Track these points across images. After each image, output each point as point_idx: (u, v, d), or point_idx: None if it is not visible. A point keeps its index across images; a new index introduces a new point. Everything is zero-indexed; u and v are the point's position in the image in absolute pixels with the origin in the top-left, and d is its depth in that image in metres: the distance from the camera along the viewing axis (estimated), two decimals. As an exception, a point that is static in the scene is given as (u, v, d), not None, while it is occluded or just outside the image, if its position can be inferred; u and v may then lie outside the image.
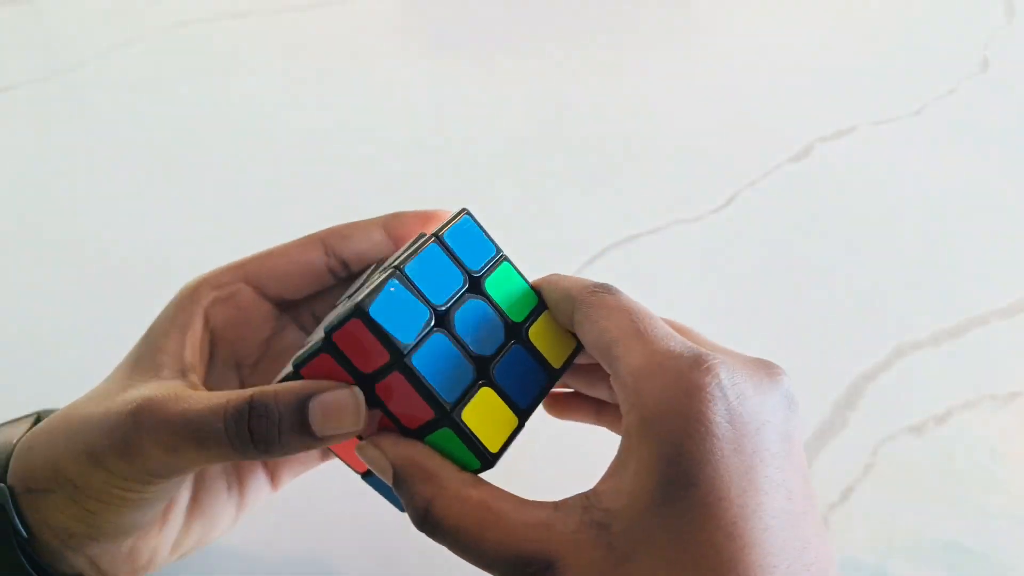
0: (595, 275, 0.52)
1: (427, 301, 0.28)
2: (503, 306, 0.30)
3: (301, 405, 0.27)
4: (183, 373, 0.30)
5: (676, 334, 0.27)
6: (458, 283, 0.30)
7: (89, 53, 0.82)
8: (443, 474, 0.27)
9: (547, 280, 0.31)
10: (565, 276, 0.31)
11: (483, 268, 0.31)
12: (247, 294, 0.33)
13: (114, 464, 0.28)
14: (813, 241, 0.55)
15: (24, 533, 0.30)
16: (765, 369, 0.27)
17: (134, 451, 0.27)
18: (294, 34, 0.83)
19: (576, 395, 0.34)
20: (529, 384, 0.30)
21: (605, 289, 0.29)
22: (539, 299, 0.31)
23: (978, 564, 0.35)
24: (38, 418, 0.33)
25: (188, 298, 0.32)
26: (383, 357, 0.27)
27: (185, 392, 0.28)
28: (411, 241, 0.32)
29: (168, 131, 0.71)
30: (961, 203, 0.58)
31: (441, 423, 0.27)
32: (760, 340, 0.47)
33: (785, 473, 0.24)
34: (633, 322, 0.27)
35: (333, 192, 0.62)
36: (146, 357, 0.31)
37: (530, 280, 0.32)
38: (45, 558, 0.30)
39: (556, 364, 0.30)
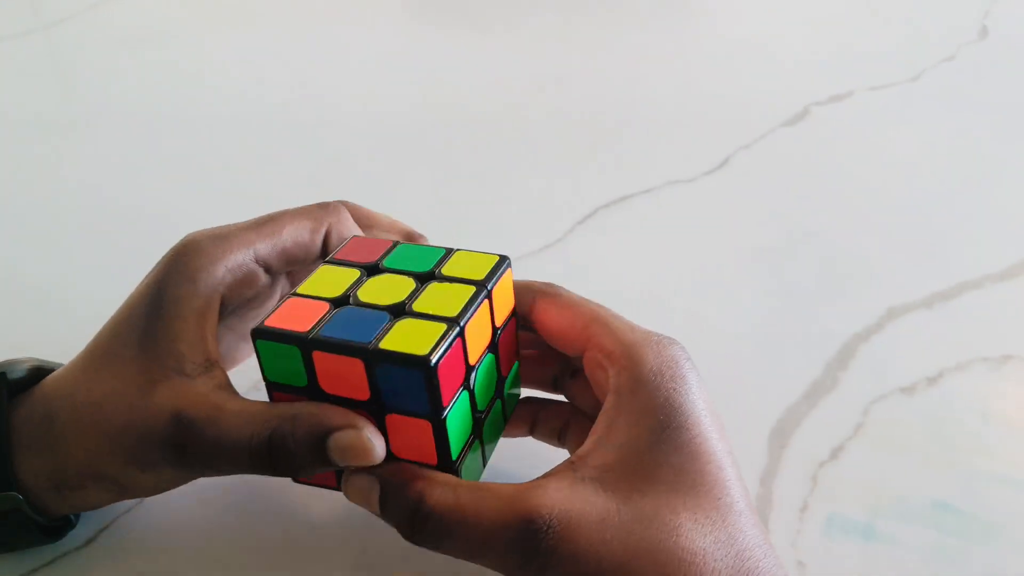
0: (588, 234, 0.52)
1: (466, 359, 0.28)
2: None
3: (319, 443, 0.27)
4: (208, 367, 0.30)
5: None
6: (487, 338, 0.30)
7: (75, 7, 0.81)
8: (428, 473, 0.28)
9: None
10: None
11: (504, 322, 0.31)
12: (259, 275, 0.33)
13: (164, 471, 0.30)
14: (807, 203, 0.54)
15: (42, 521, 0.31)
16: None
17: (184, 465, 0.29)
18: (284, -9, 0.82)
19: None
20: (496, 432, 0.33)
21: (558, 286, 0.32)
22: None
23: (966, 524, 0.35)
24: (38, 370, 0.32)
25: (203, 277, 0.31)
26: (421, 408, 0.27)
27: (217, 410, 0.29)
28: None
29: (154, 87, 0.70)
30: (956, 168, 0.58)
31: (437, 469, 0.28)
32: (753, 300, 0.47)
33: (723, 428, 0.29)
34: (602, 309, 0.31)
35: (325, 153, 0.61)
36: (161, 343, 0.30)
37: None
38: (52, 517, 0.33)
39: (507, 414, 0.34)
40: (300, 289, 0.29)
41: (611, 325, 0.30)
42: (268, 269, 0.33)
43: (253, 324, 0.29)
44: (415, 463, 0.28)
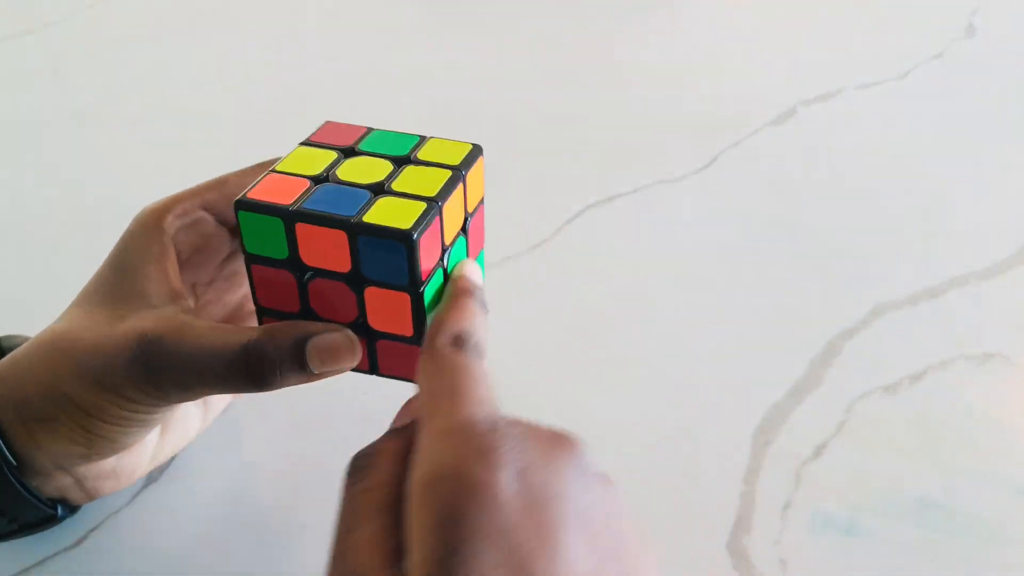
0: (575, 233, 0.52)
1: (443, 239, 0.30)
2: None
3: (299, 348, 0.29)
4: (173, 299, 0.31)
5: (494, 401, 0.25)
6: (459, 222, 0.31)
7: (70, 8, 0.81)
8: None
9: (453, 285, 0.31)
10: (462, 301, 0.30)
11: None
12: (208, 221, 0.34)
13: (132, 393, 0.29)
14: (794, 202, 0.55)
15: (14, 462, 0.31)
16: (561, 441, 0.24)
17: (151, 382, 0.29)
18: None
19: None
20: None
21: (459, 344, 0.27)
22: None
23: (949, 520, 0.36)
24: None
25: (155, 227, 0.32)
26: (401, 280, 0.28)
27: (185, 326, 0.29)
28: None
29: (150, 87, 0.70)
30: (943, 166, 0.58)
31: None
32: (739, 299, 0.47)
33: (579, 550, 0.21)
34: (455, 384, 0.25)
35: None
36: (126, 287, 0.31)
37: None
38: (32, 480, 0.32)
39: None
40: (279, 167, 0.30)
41: (440, 404, 0.25)
42: (220, 219, 0.34)
43: (236, 197, 0.29)
44: (391, 335, 0.30)
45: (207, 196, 0.33)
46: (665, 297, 0.47)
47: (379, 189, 0.29)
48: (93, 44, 0.76)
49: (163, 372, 0.29)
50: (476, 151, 0.31)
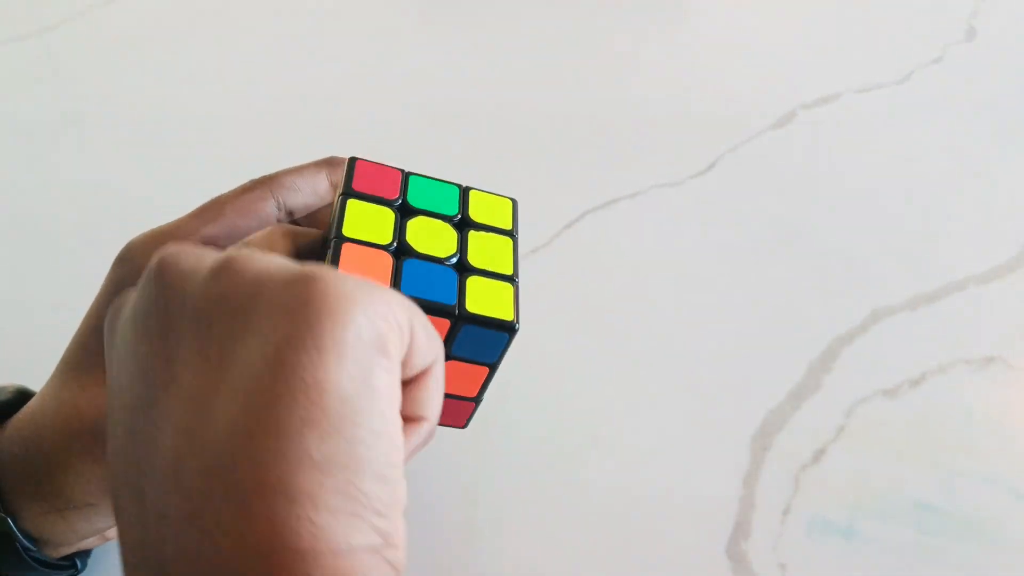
0: (575, 238, 0.52)
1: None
2: None
3: None
4: None
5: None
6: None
7: (71, 11, 0.81)
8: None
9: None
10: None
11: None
12: None
13: None
14: (793, 206, 0.55)
15: (32, 549, 0.30)
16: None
17: None
18: (275, -4, 0.82)
19: None
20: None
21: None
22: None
23: (946, 523, 0.36)
24: (22, 394, 0.32)
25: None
26: (490, 358, 0.30)
27: None
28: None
29: (152, 89, 0.70)
30: (943, 171, 0.58)
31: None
32: (737, 303, 0.47)
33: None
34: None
35: (321, 154, 0.61)
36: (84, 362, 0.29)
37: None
38: (52, 552, 0.32)
39: None
40: (346, 231, 0.29)
41: None
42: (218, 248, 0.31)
43: None
44: (454, 395, 0.31)
45: (207, 231, 0.31)
46: (664, 301, 0.47)
47: (462, 267, 0.30)
48: (93, 47, 0.76)
49: None
50: (516, 208, 0.33)
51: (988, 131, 0.62)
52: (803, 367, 0.43)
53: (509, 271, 0.30)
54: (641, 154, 0.60)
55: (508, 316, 0.29)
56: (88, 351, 0.30)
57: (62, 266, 0.51)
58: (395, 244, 0.29)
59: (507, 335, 0.29)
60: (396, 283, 0.28)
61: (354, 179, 0.31)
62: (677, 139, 0.61)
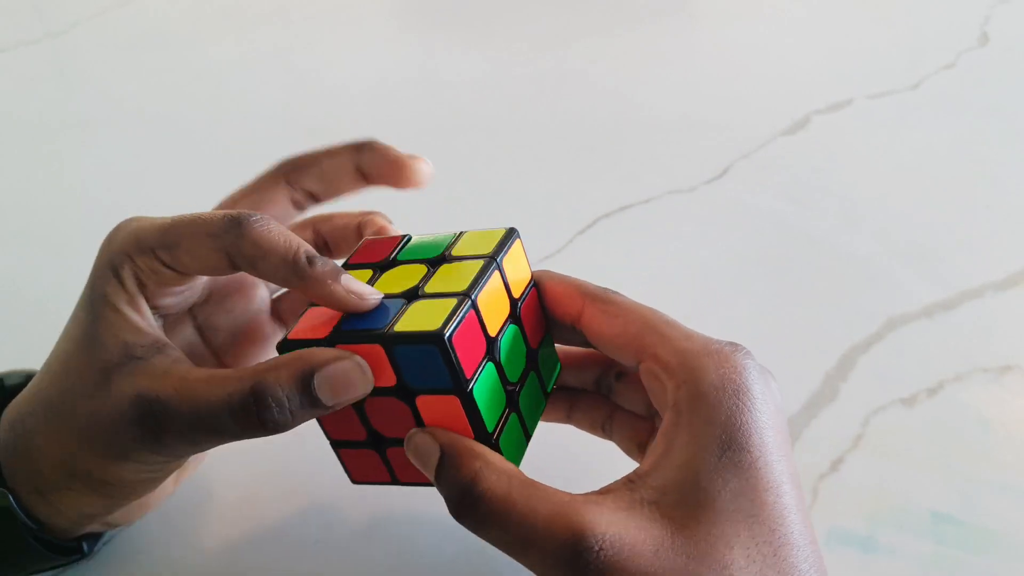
0: (588, 244, 0.52)
1: (485, 331, 0.28)
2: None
3: (305, 383, 0.27)
4: (159, 348, 0.29)
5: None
6: (505, 310, 0.30)
7: (79, 15, 0.81)
8: (489, 455, 0.27)
9: (548, 276, 0.32)
10: (560, 274, 0.32)
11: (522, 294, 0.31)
12: (168, 275, 0.30)
13: (141, 456, 0.29)
14: (807, 213, 0.54)
15: (33, 526, 0.31)
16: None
17: (158, 443, 0.28)
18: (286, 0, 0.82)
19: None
20: (535, 406, 0.31)
21: (612, 291, 0.31)
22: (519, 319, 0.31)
23: (966, 535, 0.35)
24: (30, 380, 0.32)
25: (126, 273, 0.29)
26: (444, 383, 0.27)
27: (182, 383, 0.28)
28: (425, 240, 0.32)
29: (158, 94, 0.70)
30: (957, 177, 0.58)
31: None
32: (753, 311, 0.47)
33: (788, 445, 0.28)
34: (656, 315, 0.30)
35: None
36: (105, 336, 0.29)
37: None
38: (57, 535, 0.32)
39: (547, 387, 0.32)
40: None
41: (666, 334, 0.29)
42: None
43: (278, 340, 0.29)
44: None
45: (161, 255, 0.29)
46: (677, 308, 0.47)
47: (412, 295, 0.28)
48: (99, 51, 0.76)
49: (168, 433, 0.28)
50: (510, 235, 0.31)
51: (1002, 136, 0.62)
52: (819, 376, 0.42)
53: (462, 288, 0.28)
54: (654, 160, 0.60)
55: (433, 326, 0.26)
56: (71, 341, 0.30)
57: (65, 267, 0.50)
58: None
59: (435, 348, 0.26)
60: (339, 325, 0.28)
61: (354, 254, 0.32)
62: (690, 145, 0.61)
